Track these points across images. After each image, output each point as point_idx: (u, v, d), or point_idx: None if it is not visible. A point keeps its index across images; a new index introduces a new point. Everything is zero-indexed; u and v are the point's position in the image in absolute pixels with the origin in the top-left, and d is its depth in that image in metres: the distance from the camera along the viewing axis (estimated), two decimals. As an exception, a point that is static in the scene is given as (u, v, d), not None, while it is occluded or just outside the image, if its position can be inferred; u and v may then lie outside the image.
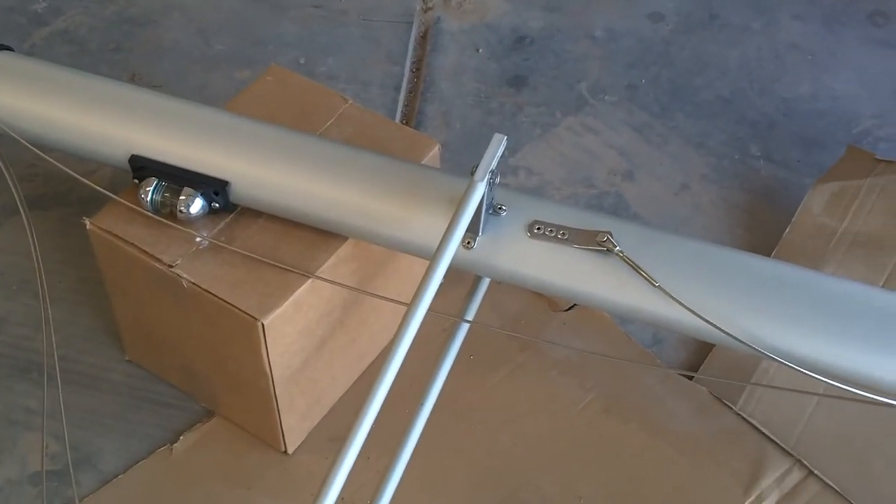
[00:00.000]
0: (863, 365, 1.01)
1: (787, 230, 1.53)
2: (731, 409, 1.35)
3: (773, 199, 1.64)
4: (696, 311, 1.02)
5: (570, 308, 1.44)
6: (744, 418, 1.34)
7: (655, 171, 1.68)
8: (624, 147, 1.72)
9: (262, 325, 1.11)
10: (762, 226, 1.60)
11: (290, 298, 1.13)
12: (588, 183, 1.66)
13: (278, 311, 1.12)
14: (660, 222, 1.61)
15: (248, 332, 1.13)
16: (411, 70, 1.84)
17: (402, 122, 1.75)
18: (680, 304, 1.03)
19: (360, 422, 0.90)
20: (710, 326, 1.02)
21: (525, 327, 1.43)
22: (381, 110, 1.75)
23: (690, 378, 1.38)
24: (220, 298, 1.13)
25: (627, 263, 1.06)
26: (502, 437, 1.32)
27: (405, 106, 1.79)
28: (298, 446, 1.30)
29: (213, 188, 1.17)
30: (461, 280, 1.22)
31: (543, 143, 1.72)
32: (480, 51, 1.87)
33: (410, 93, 1.80)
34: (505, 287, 1.35)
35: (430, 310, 0.97)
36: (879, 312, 1.04)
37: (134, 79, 1.79)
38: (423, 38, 1.90)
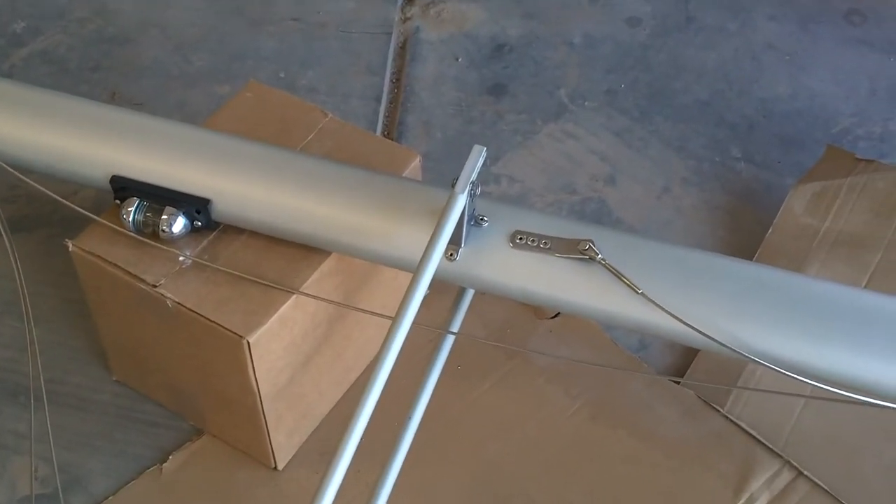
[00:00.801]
0: (847, 366, 1.02)
1: (770, 231, 1.53)
2: (719, 412, 1.35)
3: (754, 200, 1.65)
4: (679, 316, 1.03)
5: (555, 316, 1.45)
6: (732, 421, 1.34)
7: (637, 176, 1.69)
8: (605, 152, 1.72)
9: (248, 342, 1.11)
10: (744, 227, 1.60)
11: (275, 315, 1.13)
12: (570, 189, 1.66)
13: (263, 329, 1.12)
14: (642, 226, 1.61)
15: (233, 350, 1.13)
16: (391, 81, 1.84)
17: (383, 133, 1.75)
18: (663, 309, 1.03)
19: (349, 436, 0.90)
20: (693, 331, 1.03)
21: (511, 336, 1.44)
22: (362, 121, 1.75)
23: (677, 382, 1.39)
24: (205, 317, 1.12)
25: (610, 271, 1.06)
26: (491, 447, 1.33)
27: (386, 117, 1.79)
28: (288, 462, 1.30)
29: (195, 206, 1.16)
30: (446, 291, 1.23)
31: (525, 151, 1.73)
32: (460, 60, 1.87)
33: (391, 103, 1.81)
34: (490, 296, 1.35)
35: (415, 322, 0.97)
36: (861, 313, 1.04)
37: (114, 97, 1.78)
38: (403, 48, 1.90)
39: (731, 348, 1.02)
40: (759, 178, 1.69)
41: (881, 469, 1.31)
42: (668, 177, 1.69)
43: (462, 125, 1.77)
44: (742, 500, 1.27)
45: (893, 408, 0.99)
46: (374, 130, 1.74)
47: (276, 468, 1.29)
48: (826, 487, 1.28)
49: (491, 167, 1.69)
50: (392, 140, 1.70)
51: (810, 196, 1.56)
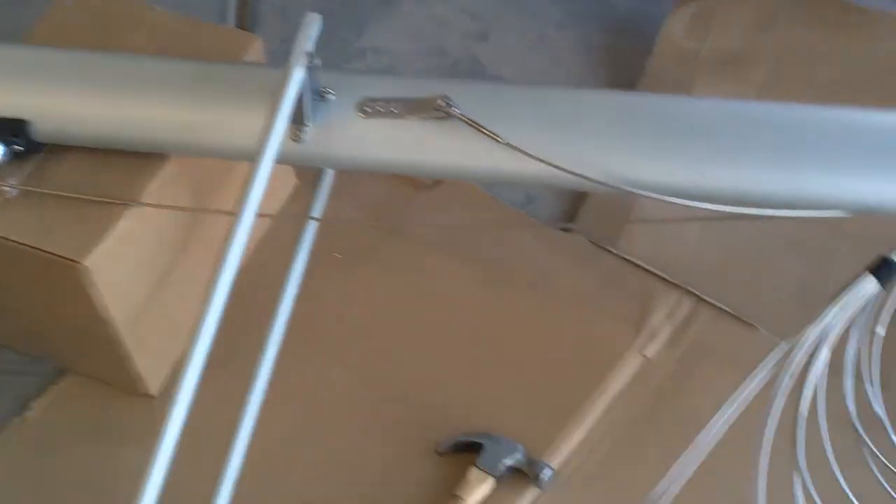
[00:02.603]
0: (728, 180, 0.97)
1: (649, 59, 1.47)
2: (613, 253, 1.31)
3: (634, 33, 1.59)
4: (547, 159, 0.97)
5: (434, 185, 1.37)
6: (627, 260, 1.30)
7: (511, 28, 1.62)
8: (475, 9, 1.64)
9: (85, 266, 1.02)
10: (626, 63, 1.54)
11: (112, 232, 1.04)
12: (440, 52, 1.59)
13: (99, 249, 1.02)
14: (521, 78, 1.55)
15: (72, 278, 1.03)
16: (239, -31, 1.73)
17: (236, 25, 1.64)
18: (529, 155, 0.97)
19: (196, 344, 0.83)
20: (565, 173, 0.96)
21: (390, 214, 1.36)
22: (213, 17, 1.64)
23: (568, 230, 1.34)
24: (35, 247, 1.03)
25: (468, 124, 0.99)
26: (382, 336, 1.26)
27: (238, 9, 1.67)
28: (163, 386, 1.22)
29: (11, 130, 1.06)
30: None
31: (389, 20, 1.64)
32: (308, -67, 1.75)
33: (241, -7, 1.69)
34: (363, 175, 1.28)
35: (263, 214, 0.90)
36: (736, 122, 0.99)
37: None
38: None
39: (604, 183, 0.97)
40: (637, 9, 1.62)
41: (784, 283, 1.28)
42: (543, 23, 1.62)
43: (321, 4, 1.65)
44: (643, 335, 1.24)
45: (781, 216, 0.94)
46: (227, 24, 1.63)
47: (150, 395, 1.21)
48: (729, 310, 1.25)
49: (354, 42, 1.60)
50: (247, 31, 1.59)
51: (689, 18, 1.51)
